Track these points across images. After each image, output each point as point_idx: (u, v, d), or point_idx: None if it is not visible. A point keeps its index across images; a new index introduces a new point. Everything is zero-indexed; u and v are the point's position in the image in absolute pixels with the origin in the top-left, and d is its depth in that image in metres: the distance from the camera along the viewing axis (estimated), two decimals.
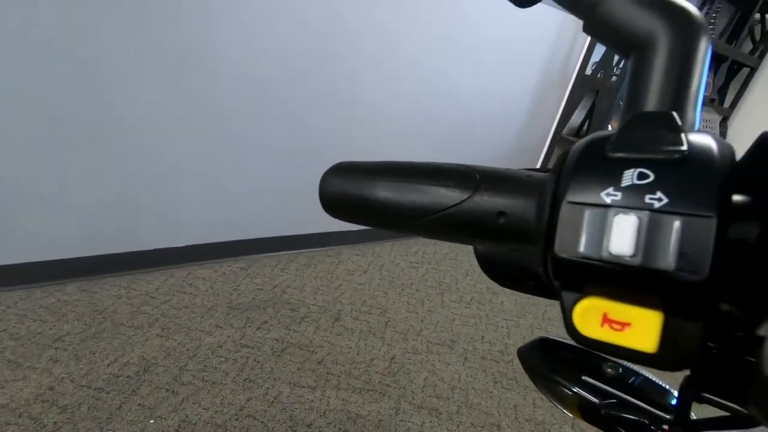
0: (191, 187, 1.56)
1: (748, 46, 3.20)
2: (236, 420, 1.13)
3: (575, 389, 0.20)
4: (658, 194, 0.13)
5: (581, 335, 0.14)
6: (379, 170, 0.20)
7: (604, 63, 2.33)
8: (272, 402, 1.20)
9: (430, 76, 1.94)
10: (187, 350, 1.31)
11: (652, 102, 0.17)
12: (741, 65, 3.19)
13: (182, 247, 1.65)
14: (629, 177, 0.14)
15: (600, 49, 2.39)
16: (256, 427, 1.13)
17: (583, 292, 0.14)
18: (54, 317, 1.32)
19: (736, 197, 0.12)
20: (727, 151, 0.14)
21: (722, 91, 3.32)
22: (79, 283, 1.47)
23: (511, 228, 0.17)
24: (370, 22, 1.64)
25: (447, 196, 0.18)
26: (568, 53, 2.40)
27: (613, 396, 0.17)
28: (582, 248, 0.14)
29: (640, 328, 0.13)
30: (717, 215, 0.12)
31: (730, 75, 3.28)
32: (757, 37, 3.11)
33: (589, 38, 2.40)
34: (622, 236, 0.13)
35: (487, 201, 0.17)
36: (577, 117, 2.67)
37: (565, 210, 0.14)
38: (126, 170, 1.40)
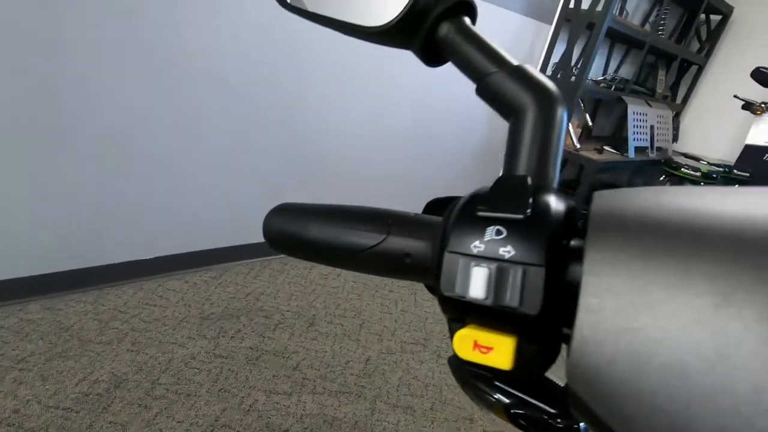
0: (158, 197, 1.54)
1: (696, 46, 3.39)
2: (212, 431, 1.13)
3: (496, 395, 0.22)
4: (509, 247, 0.16)
5: (459, 357, 0.17)
6: (312, 212, 0.23)
7: (563, 64, 2.43)
8: (248, 410, 1.21)
9: (397, 81, 1.97)
10: (159, 364, 1.30)
11: (522, 162, 0.20)
12: (690, 63, 3.37)
13: (151, 258, 1.63)
14: (490, 233, 0.17)
15: (559, 51, 2.48)
16: None
17: (463, 323, 0.18)
18: (17, 337, 1.28)
19: (573, 243, 0.16)
20: (561, 209, 0.17)
21: (674, 89, 3.51)
22: (43, 301, 1.43)
23: (415, 267, 0.20)
24: None
25: (366, 239, 0.21)
26: (527, 56, 2.49)
27: (517, 397, 0.21)
28: (457, 289, 0.17)
29: (500, 351, 0.16)
30: (546, 264, 0.16)
31: (681, 73, 3.47)
32: (703, 36, 3.30)
33: (548, 41, 2.50)
34: (477, 284, 0.16)
35: (397, 244, 0.20)
36: None
37: (446, 257, 0.18)
38: (87, 182, 1.37)
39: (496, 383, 0.22)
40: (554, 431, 0.21)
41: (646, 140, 2.88)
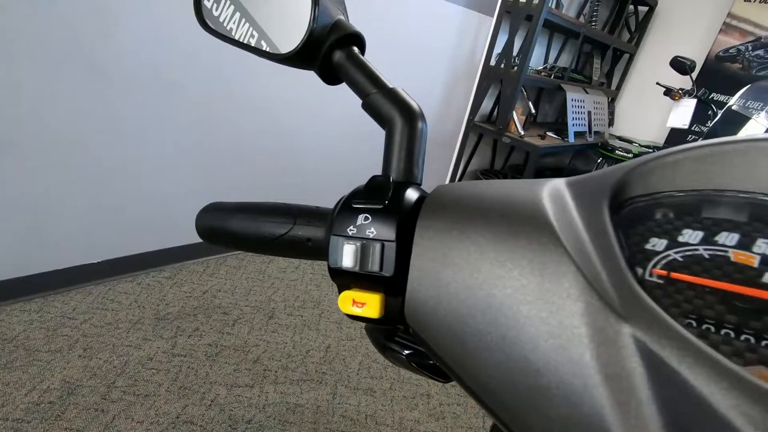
0: (103, 199, 1.49)
1: (627, 35, 3.63)
2: (173, 428, 1.14)
3: (404, 352, 0.28)
4: (372, 229, 0.21)
5: (344, 313, 0.22)
6: (234, 209, 0.27)
7: (505, 54, 2.54)
8: (210, 405, 1.23)
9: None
10: (115, 367, 1.28)
11: (393, 163, 0.25)
12: (622, 52, 3.61)
13: (99, 262, 1.58)
14: (360, 219, 0.22)
15: (501, 42, 2.59)
16: (194, 431, 1.15)
17: (347, 287, 0.23)
18: None
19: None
20: (412, 199, 0.23)
21: (609, 76, 3.75)
22: None
23: (315, 249, 0.25)
24: None
25: (277, 229, 0.26)
26: (472, 47, 2.58)
27: (411, 347, 0.26)
28: (337, 262, 0.22)
29: (370, 305, 0.21)
30: (396, 240, 0.21)
31: (615, 61, 3.71)
32: (633, 27, 3.54)
33: (491, 30, 2.60)
34: (347, 256, 0.22)
35: (301, 231, 0.25)
36: (487, 105, 2.89)
37: (331, 239, 0.23)
38: (25, 184, 1.32)
39: (397, 338, 0.28)
40: (439, 370, 0.26)
41: (585, 125, 3.07)
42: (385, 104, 0.27)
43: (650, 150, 3.01)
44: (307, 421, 1.24)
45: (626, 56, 3.65)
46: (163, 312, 1.54)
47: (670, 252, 0.15)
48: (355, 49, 0.29)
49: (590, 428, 0.13)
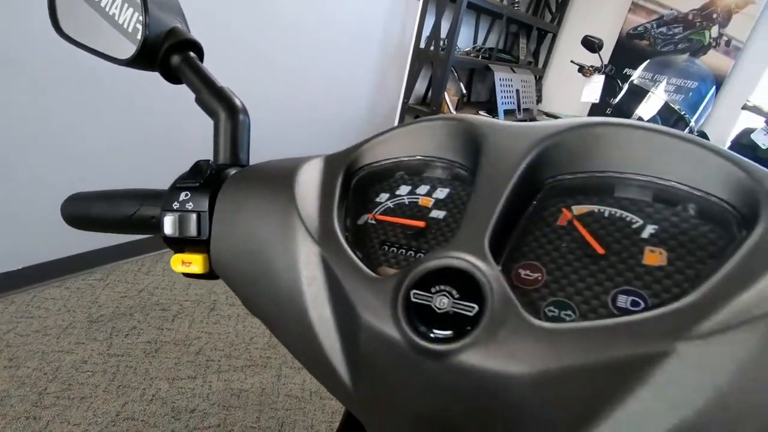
0: (21, 200, 1.41)
1: (549, 16, 3.82)
2: (114, 426, 1.14)
3: None
4: (191, 203, 0.26)
5: (176, 271, 0.27)
6: (91, 197, 0.31)
7: (434, 36, 2.61)
8: (151, 400, 1.23)
9: (276, 59, 1.98)
10: (45, 374, 1.25)
11: (221, 150, 0.30)
12: (546, 32, 3.81)
13: (19, 269, 1.50)
14: (182, 196, 0.27)
15: (429, 24, 2.66)
16: (136, 426, 1.15)
17: (181, 251, 0.27)
18: None
19: None
20: (227, 176, 0.27)
21: (536, 55, 3.94)
22: None
23: (158, 226, 0.30)
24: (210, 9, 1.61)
25: (127, 210, 0.30)
26: (401, 30, 2.63)
27: None
28: (167, 231, 0.27)
29: (195, 263, 0.26)
30: (208, 210, 0.26)
31: (540, 40, 3.90)
32: (553, 8, 3.73)
33: (419, 14, 2.65)
34: (168, 225, 0.26)
35: (146, 212, 0.29)
36: (421, 87, 2.96)
37: (163, 214, 0.27)
38: None
39: None
40: None
41: (513, 103, 3.24)
42: (213, 101, 0.31)
43: None
44: (252, 403, 1.28)
45: (550, 36, 3.85)
46: (96, 314, 1.50)
47: (388, 202, 0.22)
48: (191, 53, 0.33)
49: (302, 318, 0.19)
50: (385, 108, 2.84)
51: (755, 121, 2.38)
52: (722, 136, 3.13)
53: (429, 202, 0.21)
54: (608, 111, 2.50)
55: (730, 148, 2.68)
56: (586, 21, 3.62)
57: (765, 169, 0.16)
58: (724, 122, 3.11)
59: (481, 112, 3.06)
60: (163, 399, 1.24)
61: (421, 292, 0.16)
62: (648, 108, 2.16)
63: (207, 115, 0.32)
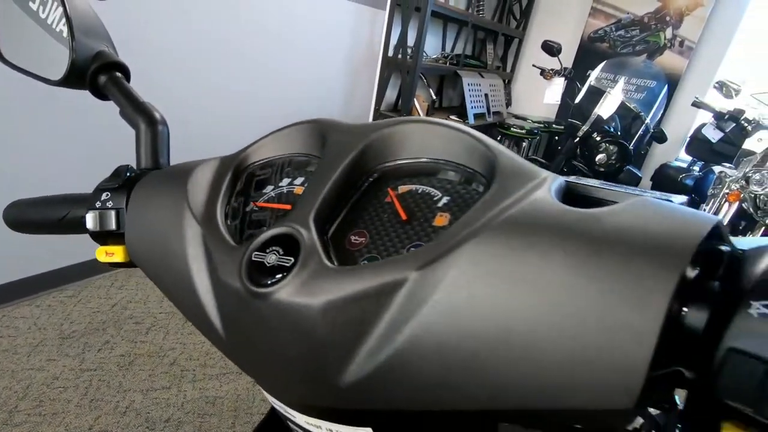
0: None
1: (514, 23, 3.95)
2: None
3: None
4: (111, 201, 0.30)
5: (101, 261, 0.31)
6: (30, 203, 0.35)
7: (401, 45, 2.68)
8: (125, 412, 1.24)
9: (249, 69, 2.01)
10: (16, 392, 1.24)
11: (143, 156, 0.34)
12: (512, 37, 3.93)
13: None
14: (104, 196, 0.30)
15: (397, 32, 2.73)
16: None
17: (105, 243, 0.31)
18: None
19: None
20: (131, 178, 0.31)
21: (503, 60, 4.07)
22: None
23: (81, 226, 0.33)
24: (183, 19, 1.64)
25: (58, 213, 0.33)
26: (369, 40, 2.70)
27: None
28: (89, 226, 0.30)
29: (118, 254, 0.30)
30: (125, 206, 0.30)
31: (507, 46, 4.03)
32: (517, 14, 3.86)
33: (386, 23, 2.72)
34: (89, 221, 0.30)
35: (76, 214, 0.33)
36: (392, 94, 3.03)
37: (87, 213, 0.31)
38: None
39: None
40: None
41: (483, 107, 3.34)
42: (134, 114, 0.35)
43: (541, 125, 3.36)
44: (227, 410, 1.30)
45: (516, 41, 3.98)
46: (68, 331, 1.49)
47: (271, 192, 0.26)
48: (118, 73, 0.37)
49: (189, 287, 0.23)
50: (358, 116, 2.90)
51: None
52: (681, 131, 3.28)
53: (301, 189, 0.25)
54: (571, 111, 2.61)
55: (689, 143, 2.81)
56: (550, 26, 3.76)
57: (501, 146, 0.21)
58: (683, 119, 3.26)
59: (452, 117, 3.15)
60: (137, 410, 1.25)
61: (260, 253, 0.21)
62: (606, 107, 2.26)
63: (130, 126, 0.36)
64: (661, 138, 2.54)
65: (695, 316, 0.15)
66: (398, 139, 0.23)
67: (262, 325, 0.20)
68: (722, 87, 2.14)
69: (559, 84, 2.38)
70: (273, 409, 0.34)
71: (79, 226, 0.33)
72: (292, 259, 0.20)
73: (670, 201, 0.18)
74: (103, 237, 0.30)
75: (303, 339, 0.19)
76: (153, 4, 1.60)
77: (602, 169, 2.13)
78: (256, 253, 0.21)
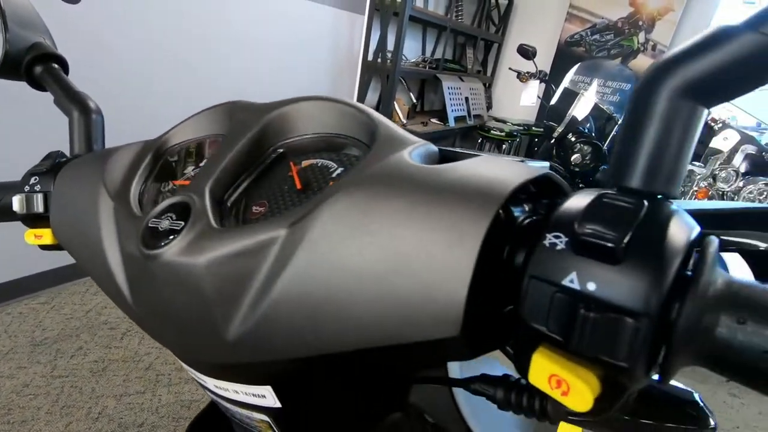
0: None
1: (493, 27, 4.02)
2: None
3: None
4: (38, 185, 0.31)
5: (30, 244, 0.31)
6: None
7: (380, 48, 2.71)
8: (97, 418, 1.22)
9: (227, 74, 2.02)
10: None
11: (76, 142, 0.35)
12: (492, 42, 4.00)
13: None
14: (33, 180, 0.31)
15: (376, 36, 2.76)
16: None
17: (34, 227, 0.32)
18: None
19: None
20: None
21: (484, 64, 4.13)
22: None
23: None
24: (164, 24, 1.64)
25: None
26: (349, 44, 2.72)
27: None
28: (15, 208, 0.31)
29: (46, 236, 0.31)
30: (54, 190, 0.31)
31: (487, 50, 4.10)
32: (496, 19, 3.93)
33: (364, 30, 2.75)
34: (15, 204, 0.31)
35: (8, 200, 0.34)
36: (373, 98, 3.05)
37: (14, 196, 0.32)
38: None
39: None
40: None
41: (464, 110, 3.38)
42: (68, 103, 0.36)
43: (521, 127, 3.41)
44: None
45: (496, 46, 4.05)
46: (40, 338, 1.47)
47: (191, 171, 0.27)
48: (55, 65, 0.38)
49: (102, 259, 0.24)
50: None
51: None
52: None
53: (195, 170, 0.27)
54: (547, 113, 2.66)
55: None
56: (528, 31, 3.84)
57: (384, 117, 0.23)
58: None
59: (433, 120, 3.18)
60: (109, 416, 1.23)
61: (156, 219, 0.22)
62: (580, 109, 2.31)
63: (64, 114, 0.36)
64: None
65: (514, 253, 0.17)
66: (298, 116, 0.25)
67: (157, 287, 0.21)
68: None
69: (534, 86, 2.43)
70: (211, 402, 0.35)
71: (10, 213, 0.33)
72: (183, 222, 0.21)
73: (523, 161, 0.19)
74: (31, 220, 0.31)
75: (192, 297, 0.20)
76: (136, 7, 1.59)
77: (577, 169, 2.17)
78: (153, 219, 0.22)
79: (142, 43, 1.68)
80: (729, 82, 0.15)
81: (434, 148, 0.22)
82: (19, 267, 1.60)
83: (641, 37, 3.42)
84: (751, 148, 1.99)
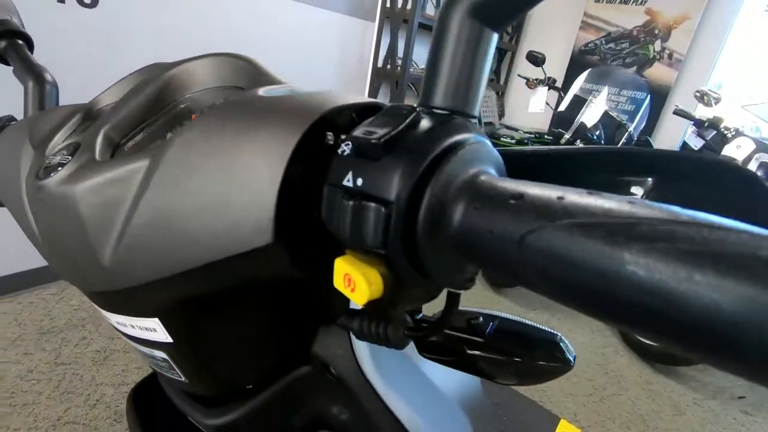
0: None
1: (506, 36, 4.03)
2: (54, 429, 1.16)
3: None
4: None
5: None
6: None
7: (390, 54, 2.75)
8: (95, 405, 1.26)
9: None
10: None
11: (29, 111, 0.37)
12: (505, 50, 4.00)
13: None
14: None
15: (386, 43, 2.80)
16: (76, 430, 1.18)
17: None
18: None
19: None
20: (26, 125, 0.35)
21: (497, 73, 4.13)
22: None
23: None
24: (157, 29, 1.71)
25: None
26: (360, 50, 2.77)
27: None
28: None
29: None
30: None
31: (500, 59, 4.10)
32: (509, 28, 3.94)
33: (375, 36, 2.79)
34: None
35: None
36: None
37: None
38: None
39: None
40: None
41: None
42: (25, 74, 0.39)
43: (532, 135, 3.39)
44: None
45: (509, 54, 4.05)
46: (48, 326, 1.52)
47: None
48: (19, 41, 0.41)
49: (21, 201, 0.26)
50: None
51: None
52: (672, 142, 3.30)
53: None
54: (555, 120, 2.64)
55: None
56: (541, 39, 3.83)
57: (272, 72, 0.24)
58: (671, 130, 3.28)
59: None
60: (106, 403, 1.26)
61: (54, 156, 0.24)
62: (589, 116, 2.29)
63: (21, 83, 0.39)
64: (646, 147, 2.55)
65: (323, 166, 0.18)
66: (199, 71, 0.26)
67: (47, 217, 0.23)
68: (702, 96, 2.17)
69: (542, 93, 2.42)
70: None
71: None
72: (70, 157, 0.23)
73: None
74: None
75: (73, 224, 0.22)
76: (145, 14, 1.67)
77: None
78: (51, 156, 0.24)
79: (156, 60, 1.75)
80: (506, 3, 0.16)
81: (295, 88, 0.23)
82: (31, 258, 1.66)
83: (657, 45, 3.37)
84: (766, 157, 1.93)
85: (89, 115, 0.30)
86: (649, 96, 2.70)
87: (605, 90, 2.46)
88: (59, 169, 0.22)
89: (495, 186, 0.15)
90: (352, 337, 0.27)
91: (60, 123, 0.28)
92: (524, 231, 0.13)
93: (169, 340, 0.24)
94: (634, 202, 0.12)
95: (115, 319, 0.26)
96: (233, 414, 0.29)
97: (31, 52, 0.41)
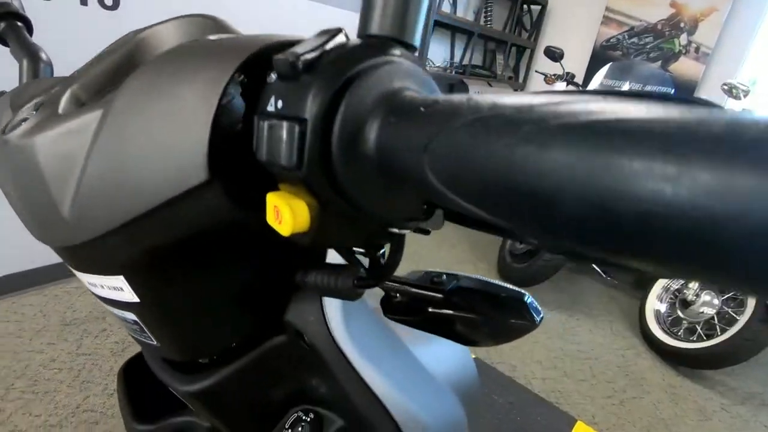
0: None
1: (525, 33, 3.97)
2: (73, 417, 1.20)
3: None
4: None
5: None
6: None
7: None
8: (112, 394, 1.29)
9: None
10: (14, 371, 1.32)
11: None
12: (524, 48, 3.95)
13: (1, 277, 1.60)
14: None
15: None
16: (94, 417, 1.21)
17: None
18: None
19: None
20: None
21: (515, 70, 4.07)
22: None
23: None
24: None
25: None
26: None
27: None
28: None
29: None
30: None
31: (519, 56, 4.04)
32: (528, 25, 3.88)
33: None
34: None
35: None
36: None
37: None
38: None
39: None
40: None
41: None
42: (21, 52, 0.40)
43: None
44: None
45: (528, 51, 3.99)
46: (70, 318, 1.58)
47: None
48: (18, 23, 0.42)
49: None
50: None
51: None
52: None
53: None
54: None
55: None
56: (561, 35, 3.75)
57: (235, 28, 0.24)
58: None
59: None
60: None
61: (22, 114, 0.24)
62: None
63: (16, 61, 0.40)
64: None
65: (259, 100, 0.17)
66: (169, 33, 0.26)
67: (12, 170, 0.23)
68: (731, 89, 2.08)
69: (560, 88, 2.37)
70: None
71: None
72: (35, 112, 0.23)
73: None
74: None
75: (34, 177, 0.22)
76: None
77: None
78: (21, 114, 0.24)
79: None
80: None
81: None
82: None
83: (683, 39, 3.26)
84: None
85: (68, 83, 0.31)
86: (674, 91, 2.61)
87: (626, 85, 2.39)
88: (22, 124, 0.23)
89: (413, 99, 0.15)
90: (325, 303, 0.27)
91: (40, 91, 0.29)
92: (428, 137, 0.13)
93: (136, 299, 0.24)
94: (550, 93, 0.12)
95: (86, 279, 0.26)
96: (208, 381, 0.28)
97: (30, 35, 0.42)
